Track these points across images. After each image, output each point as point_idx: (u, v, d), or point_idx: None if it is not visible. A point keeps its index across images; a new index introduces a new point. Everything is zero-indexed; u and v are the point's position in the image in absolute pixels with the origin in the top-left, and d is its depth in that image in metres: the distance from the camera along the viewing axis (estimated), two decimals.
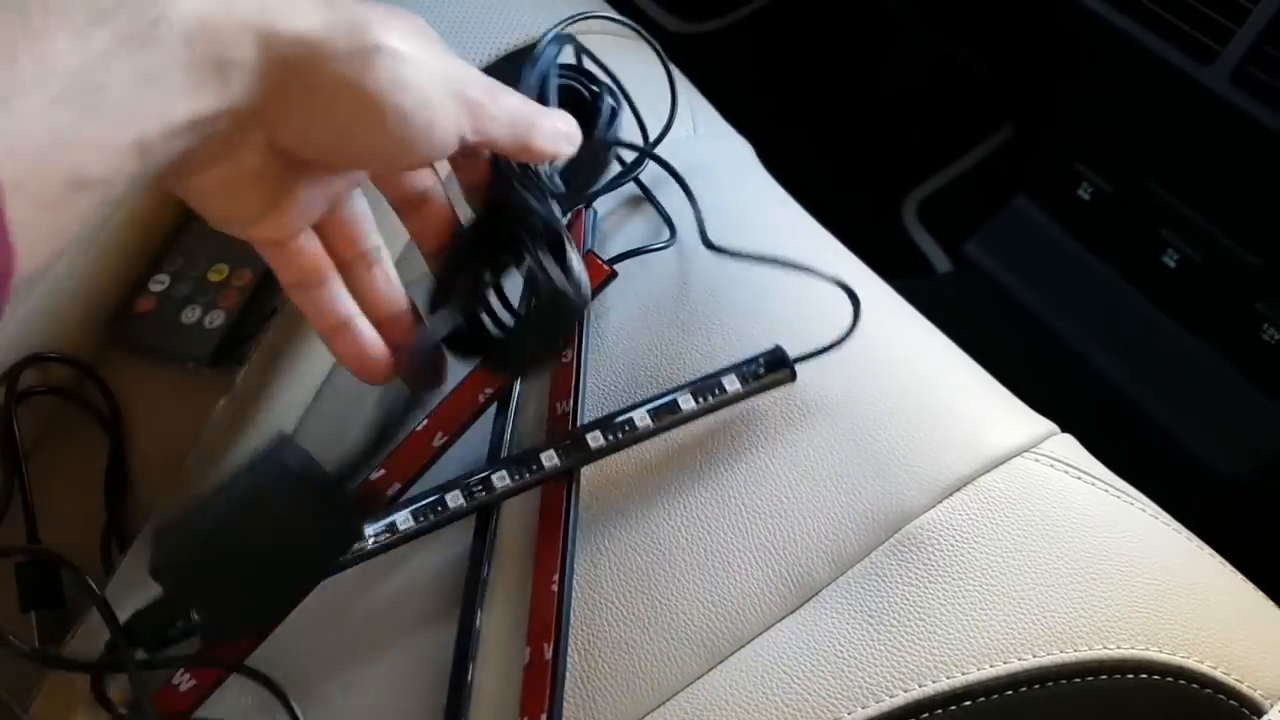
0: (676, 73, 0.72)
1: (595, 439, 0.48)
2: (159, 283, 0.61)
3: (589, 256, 0.54)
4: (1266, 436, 0.82)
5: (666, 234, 0.57)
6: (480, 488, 0.48)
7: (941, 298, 0.98)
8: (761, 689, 0.45)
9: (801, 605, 0.47)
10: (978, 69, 1.17)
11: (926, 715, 0.44)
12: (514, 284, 0.48)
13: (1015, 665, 0.45)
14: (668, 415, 0.49)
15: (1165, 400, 0.86)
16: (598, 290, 0.53)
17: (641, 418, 0.49)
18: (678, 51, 0.78)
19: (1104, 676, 0.45)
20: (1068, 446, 0.53)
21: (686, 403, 0.49)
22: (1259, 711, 0.45)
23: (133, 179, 0.31)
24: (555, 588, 0.46)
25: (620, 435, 0.49)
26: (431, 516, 0.48)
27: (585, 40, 0.70)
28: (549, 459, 0.48)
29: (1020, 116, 1.11)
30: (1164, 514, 0.51)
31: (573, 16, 0.61)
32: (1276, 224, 0.78)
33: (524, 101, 0.42)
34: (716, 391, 0.49)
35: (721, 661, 0.46)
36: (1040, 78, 1.01)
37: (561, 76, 0.52)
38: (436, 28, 0.66)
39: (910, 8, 1.21)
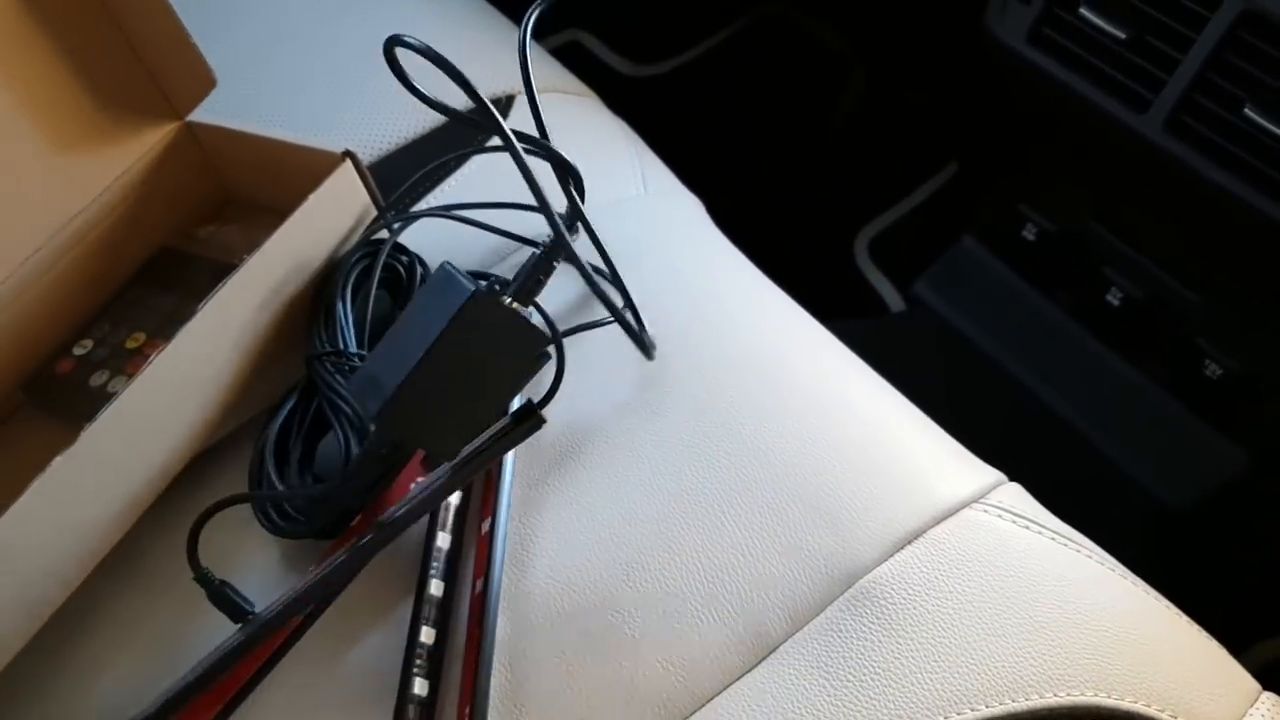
0: (627, 129, 0.74)
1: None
2: (82, 346, 0.61)
3: None
4: (1210, 469, 0.84)
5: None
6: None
7: (892, 337, 1.00)
8: None
9: (759, 663, 0.48)
10: (922, 107, 1.19)
11: None
12: None
13: (969, 716, 0.46)
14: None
15: (1111, 435, 0.88)
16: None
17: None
18: (629, 95, 0.79)
19: None
20: (1015, 496, 0.54)
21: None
22: None
23: None
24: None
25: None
26: None
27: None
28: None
29: (964, 155, 1.13)
30: (1110, 559, 0.53)
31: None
32: (1213, 263, 0.81)
33: None
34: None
35: None
36: (982, 120, 1.03)
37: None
38: (384, 87, 0.67)
39: (856, 50, 1.23)
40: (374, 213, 0.61)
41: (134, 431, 0.51)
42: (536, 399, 0.50)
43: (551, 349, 0.49)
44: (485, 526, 0.51)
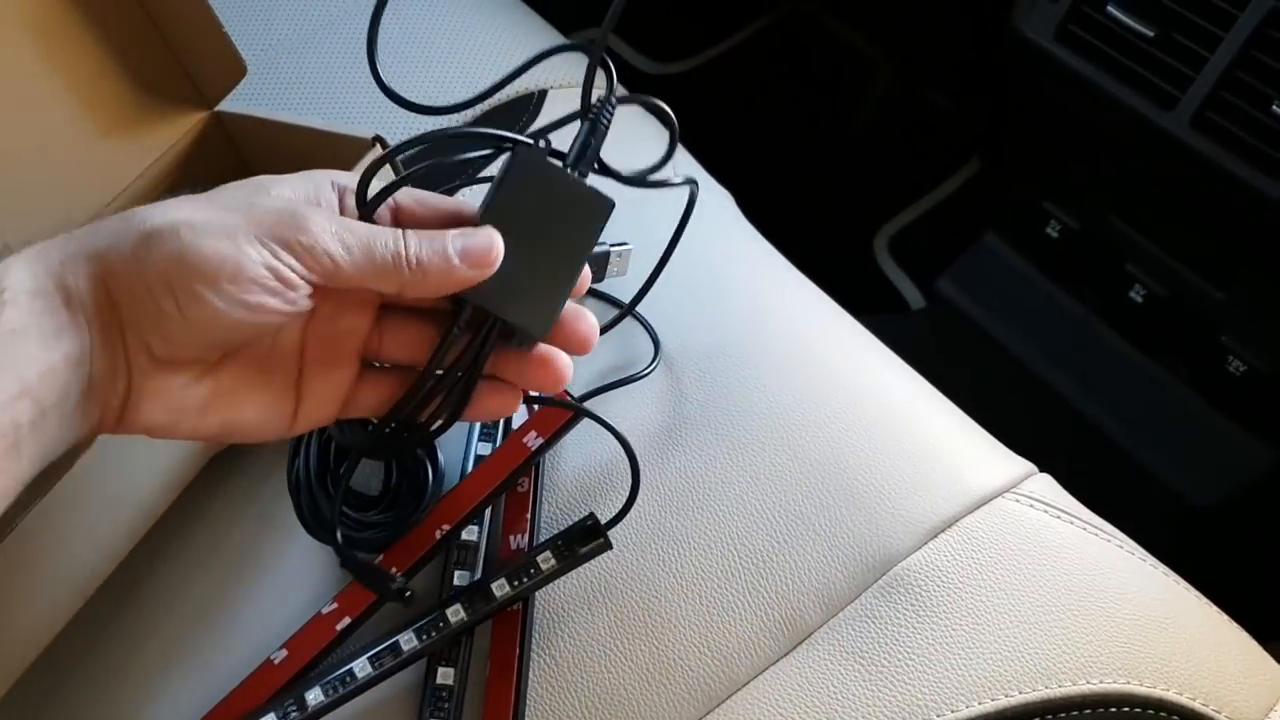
0: (656, 123, 0.74)
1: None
2: None
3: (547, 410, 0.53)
4: (1234, 465, 0.84)
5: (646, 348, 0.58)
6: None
7: (915, 334, 1.00)
8: None
9: (794, 648, 0.49)
10: (944, 106, 1.19)
11: None
12: None
13: (1003, 702, 0.46)
14: (482, 604, 0.48)
15: (1135, 431, 0.88)
16: (565, 428, 0.53)
17: (456, 612, 0.48)
18: (652, 93, 0.79)
19: (1088, 711, 0.46)
20: (1046, 486, 0.55)
21: (501, 590, 0.48)
22: None
23: (34, 425, 0.34)
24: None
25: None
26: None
27: (565, 94, 0.72)
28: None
29: (987, 153, 1.14)
30: (1140, 550, 0.53)
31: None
32: (1238, 260, 0.81)
33: (368, 231, 0.38)
34: (532, 571, 0.48)
35: (718, 705, 0.47)
36: (1006, 117, 1.04)
37: None
38: (417, 81, 0.67)
39: (879, 46, 1.24)
40: None
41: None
42: (603, 514, 0.50)
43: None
44: (515, 542, 0.51)
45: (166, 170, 0.64)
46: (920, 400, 0.58)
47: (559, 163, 0.43)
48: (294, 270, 0.37)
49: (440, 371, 0.43)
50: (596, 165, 0.44)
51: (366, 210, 0.41)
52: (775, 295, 0.61)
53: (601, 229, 0.43)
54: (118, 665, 0.50)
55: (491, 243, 0.40)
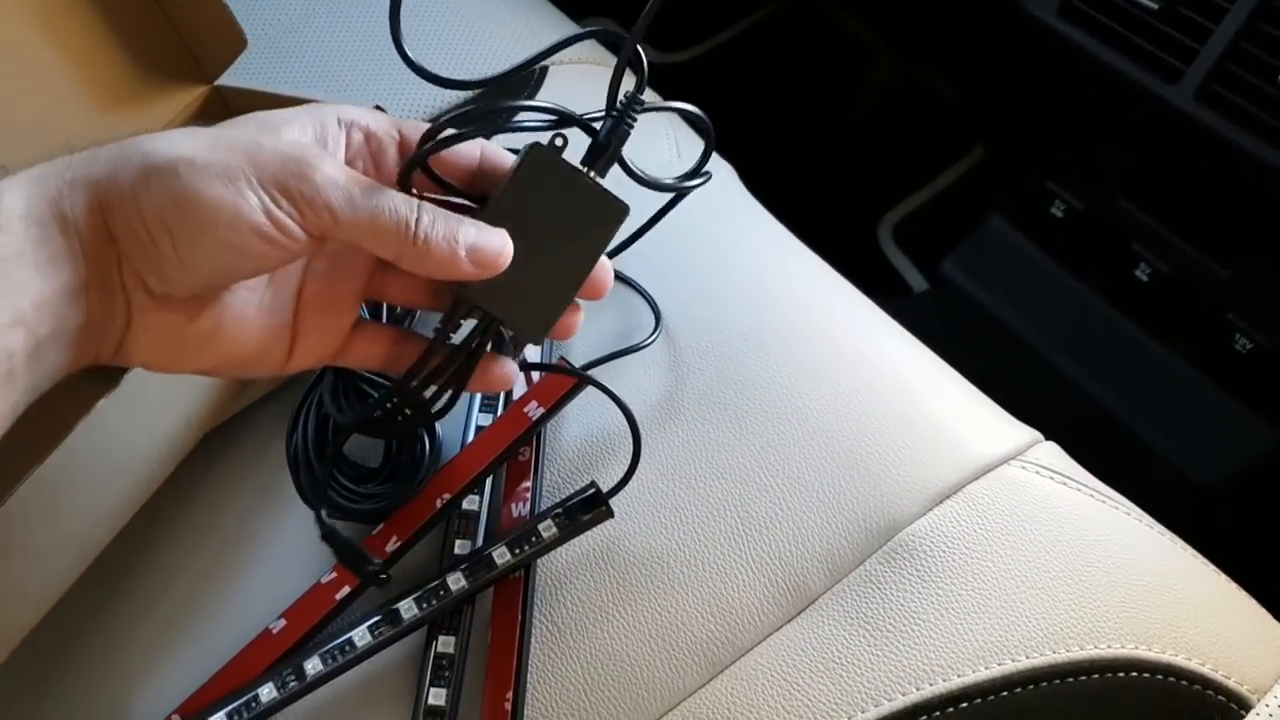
0: (659, 99, 0.74)
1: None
2: None
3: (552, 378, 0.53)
4: (1239, 445, 0.84)
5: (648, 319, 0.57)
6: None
7: (919, 316, 0.99)
8: (762, 696, 0.46)
9: (799, 614, 0.48)
10: (948, 92, 1.19)
11: (924, 718, 0.45)
12: None
13: (1010, 666, 0.46)
14: (484, 572, 0.47)
15: (1140, 411, 0.88)
16: (567, 398, 0.53)
17: (456, 580, 0.47)
18: (654, 82, 0.79)
19: (1096, 675, 0.46)
20: (1052, 454, 0.54)
21: (502, 557, 0.48)
22: (1245, 706, 0.46)
23: (29, 355, 0.34)
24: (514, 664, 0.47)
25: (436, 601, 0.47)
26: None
27: (567, 70, 0.72)
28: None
29: (990, 138, 1.13)
30: (1147, 517, 0.53)
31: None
32: (1243, 237, 0.80)
33: (381, 193, 0.37)
34: (534, 539, 0.48)
35: (722, 671, 0.47)
36: (1010, 99, 1.03)
37: None
38: (428, 51, 0.67)
39: (880, 34, 1.23)
40: None
41: (174, 377, 0.52)
42: (604, 484, 0.49)
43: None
44: (516, 511, 0.51)
45: None
46: (924, 368, 0.58)
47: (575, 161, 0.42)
48: (292, 219, 0.36)
49: (436, 363, 0.43)
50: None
51: (406, 169, 0.41)
52: (778, 265, 0.61)
53: (614, 235, 0.43)
54: (116, 635, 0.50)
55: (502, 248, 0.39)
